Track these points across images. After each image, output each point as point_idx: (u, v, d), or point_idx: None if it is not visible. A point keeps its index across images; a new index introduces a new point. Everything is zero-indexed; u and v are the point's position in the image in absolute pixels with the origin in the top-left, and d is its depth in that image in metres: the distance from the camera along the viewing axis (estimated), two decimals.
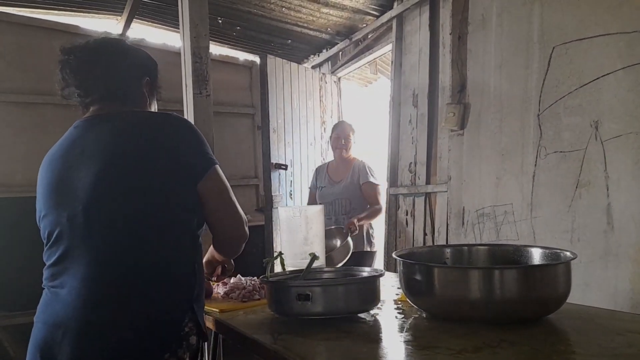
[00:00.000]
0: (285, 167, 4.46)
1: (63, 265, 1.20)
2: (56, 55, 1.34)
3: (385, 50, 4.32)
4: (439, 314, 1.25)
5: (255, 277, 1.78)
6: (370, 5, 4.13)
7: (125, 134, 1.26)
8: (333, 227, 2.94)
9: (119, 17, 4.25)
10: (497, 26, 2.91)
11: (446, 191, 3.31)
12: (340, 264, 2.53)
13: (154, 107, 1.48)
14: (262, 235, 4.30)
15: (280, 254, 1.62)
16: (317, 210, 2.01)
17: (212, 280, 1.71)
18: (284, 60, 4.62)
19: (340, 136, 3.38)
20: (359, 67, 4.95)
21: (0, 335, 3.14)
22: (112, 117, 1.29)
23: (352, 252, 2.68)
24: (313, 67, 5.27)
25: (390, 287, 1.74)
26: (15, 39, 3.44)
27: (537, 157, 2.63)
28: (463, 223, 3.12)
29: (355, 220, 2.95)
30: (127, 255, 1.18)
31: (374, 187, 3.25)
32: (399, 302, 1.48)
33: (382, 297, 1.39)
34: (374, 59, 4.72)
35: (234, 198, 1.33)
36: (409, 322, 1.28)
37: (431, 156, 3.59)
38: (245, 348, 1.23)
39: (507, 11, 2.85)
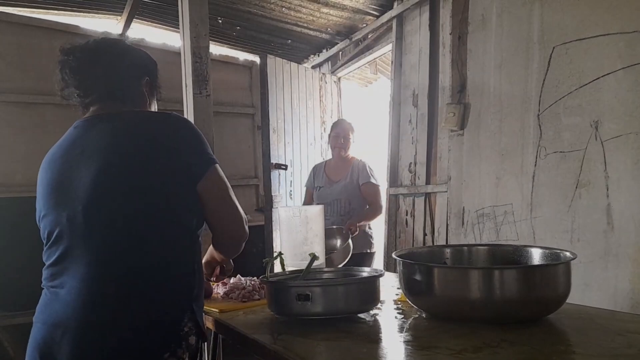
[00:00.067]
0: (285, 167, 4.46)
1: (63, 265, 1.20)
2: (56, 55, 1.34)
3: (385, 50, 4.32)
4: (439, 314, 1.25)
5: (255, 277, 1.78)
6: (370, 5, 4.13)
7: (125, 134, 1.26)
8: (334, 226, 2.91)
9: (119, 17, 4.25)
10: (497, 26, 2.91)
11: (446, 191, 3.31)
12: (340, 266, 2.53)
13: (154, 107, 1.48)
14: (262, 235, 4.30)
15: (280, 254, 1.62)
16: (317, 210, 2.00)
17: (211, 281, 1.71)
18: (284, 60, 4.62)
19: (339, 135, 3.32)
20: (359, 67, 4.95)
21: (0, 335, 3.14)
22: (112, 117, 1.29)
23: (351, 254, 2.67)
24: (313, 67, 5.27)
25: (390, 287, 1.74)
26: (15, 39, 3.43)
27: (537, 157, 2.63)
28: (463, 223, 3.12)
29: (356, 221, 2.94)
30: (127, 255, 1.18)
31: (374, 187, 3.21)
32: (399, 302, 1.48)
33: (382, 297, 1.39)
34: (374, 59, 4.72)
35: (234, 197, 1.33)
36: (409, 322, 1.27)
37: (431, 156, 3.59)
38: (245, 348, 1.23)
39: (507, 11, 2.85)
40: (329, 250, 2.55)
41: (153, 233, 1.20)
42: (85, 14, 4.24)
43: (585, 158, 2.38)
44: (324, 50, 5.12)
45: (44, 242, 1.26)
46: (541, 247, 1.42)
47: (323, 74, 5.08)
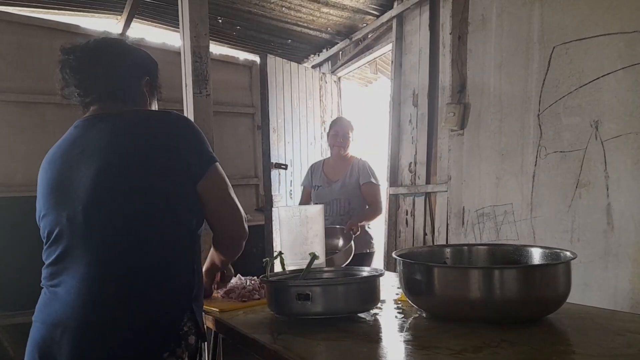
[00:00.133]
0: (285, 167, 4.45)
1: (62, 265, 1.20)
2: (56, 55, 1.33)
3: (385, 50, 4.32)
4: (439, 313, 1.25)
5: (255, 277, 1.78)
6: (370, 5, 4.13)
7: (126, 134, 1.26)
8: (337, 226, 2.89)
9: (119, 17, 4.25)
10: (497, 26, 2.91)
11: (446, 191, 3.31)
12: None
13: (154, 107, 1.48)
14: (262, 235, 4.30)
15: (280, 253, 1.62)
16: (317, 210, 2.00)
17: (212, 288, 1.70)
18: (284, 60, 4.62)
19: (338, 133, 3.24)
20: (359, 67, 4.95)
21: (0, 335, 3.14)
22: (112, 117, 1.29)
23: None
24: (313, 67, 5.27)
25: (390, 287, 1.73)
26: (16, 38, 3.44)
27: (537, 157, 2.63)
28: (463, 223, 3.12)
29: (357, 222, 2.92)
30: (127, 254, 1.18)
31: (374, 187, 3.17)
32: (399, 302, 1.48)
33: (382, 297, 1.39)
34: (374, 58, 4.72)
35: (234, 196, 1.33)
36: (409, 322, 1.27)
37: (431, 156, 3.59)
38: (245, 348, 1.23)
39: (507, 11, 2.85)
40: (331, 249, 2.54)
41: (153, 233, 1.20)
42: (85, 13, 4.24)
43: (585, 158, 2.38)
44: (324, 50, 5.12)
45: (44, 241, 1.26)
46: (541, 247, 1.42)
47: (323, 73, 5.08)
